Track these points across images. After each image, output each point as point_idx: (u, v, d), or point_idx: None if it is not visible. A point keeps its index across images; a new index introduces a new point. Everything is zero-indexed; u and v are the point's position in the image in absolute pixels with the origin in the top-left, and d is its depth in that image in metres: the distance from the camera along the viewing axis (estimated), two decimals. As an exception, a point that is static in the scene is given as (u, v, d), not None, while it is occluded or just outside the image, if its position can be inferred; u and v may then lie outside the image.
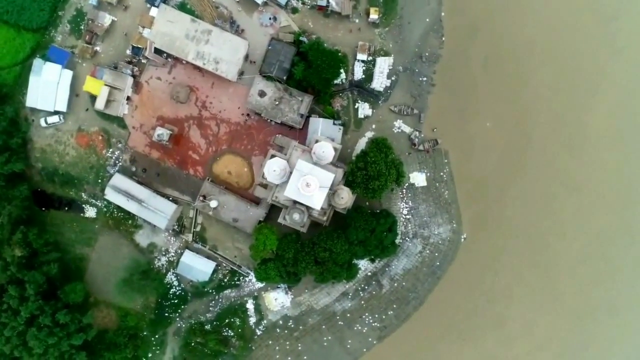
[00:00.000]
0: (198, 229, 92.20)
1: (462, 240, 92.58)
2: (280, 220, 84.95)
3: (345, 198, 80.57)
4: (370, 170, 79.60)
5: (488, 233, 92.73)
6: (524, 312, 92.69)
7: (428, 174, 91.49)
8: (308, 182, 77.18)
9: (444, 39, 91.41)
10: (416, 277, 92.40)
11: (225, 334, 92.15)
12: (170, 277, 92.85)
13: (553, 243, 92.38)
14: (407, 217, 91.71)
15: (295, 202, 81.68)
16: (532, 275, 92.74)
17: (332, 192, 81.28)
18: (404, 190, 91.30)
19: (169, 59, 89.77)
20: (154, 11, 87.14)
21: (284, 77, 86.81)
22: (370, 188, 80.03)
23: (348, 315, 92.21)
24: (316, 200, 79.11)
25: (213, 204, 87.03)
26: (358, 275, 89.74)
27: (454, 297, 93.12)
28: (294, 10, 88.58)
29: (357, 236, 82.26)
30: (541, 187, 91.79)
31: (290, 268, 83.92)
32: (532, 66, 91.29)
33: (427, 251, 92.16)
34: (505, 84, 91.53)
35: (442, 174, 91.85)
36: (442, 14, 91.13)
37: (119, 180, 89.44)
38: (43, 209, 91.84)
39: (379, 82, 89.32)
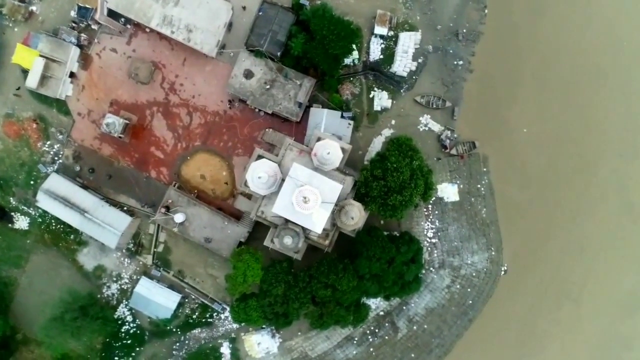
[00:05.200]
0: (160, 249, 70.78)
1: (502, 272, 71.66)
2: (266, 243, 63.71)
3: (356, 217, 59.36)
4: (390, 181, 58.68)
5: (537, 265, 71.89)
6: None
7: (461, 186, 70.49)
8: (306, 195, 55.91)
9: (486, 11, 70.38)
10: (442, 319, 71.38)
11: (193, 386, 71.03)
12: (122, 311, 71.35)
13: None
14: (433, 241, 70.67)
15: (287, 220, 60.43)
16: (591, 326, 71.91)
17: (338, 209, 60.03)
18: (430, 206, 70.24)
19: (128, 25, 68.33)
20: (108, -40, 65.57)
21: (278, 53, 65.60)
22: (390, 204, 59.12)
23: (352, 366, 71.12)
24: (316, 220, 57.89)
25: (178, 218, 65.65)
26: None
27: (489, 346, 72.30)
28: (294, -34, 67.30)
29: (369, 269, 61.07)
30: (610, 210, 70.99)
31: (279, 308, 62.61)
32: (607, 60, 70.15)
33: (457, 286, 71.16)
34: (571, 76, 70.50)
35: (479, 186, 70.87)
36: (487, -22, 70.21)
37: (56, 182, 67.94)
38: (-44, 217, 70.29)
39: (402, 64, 68.16)
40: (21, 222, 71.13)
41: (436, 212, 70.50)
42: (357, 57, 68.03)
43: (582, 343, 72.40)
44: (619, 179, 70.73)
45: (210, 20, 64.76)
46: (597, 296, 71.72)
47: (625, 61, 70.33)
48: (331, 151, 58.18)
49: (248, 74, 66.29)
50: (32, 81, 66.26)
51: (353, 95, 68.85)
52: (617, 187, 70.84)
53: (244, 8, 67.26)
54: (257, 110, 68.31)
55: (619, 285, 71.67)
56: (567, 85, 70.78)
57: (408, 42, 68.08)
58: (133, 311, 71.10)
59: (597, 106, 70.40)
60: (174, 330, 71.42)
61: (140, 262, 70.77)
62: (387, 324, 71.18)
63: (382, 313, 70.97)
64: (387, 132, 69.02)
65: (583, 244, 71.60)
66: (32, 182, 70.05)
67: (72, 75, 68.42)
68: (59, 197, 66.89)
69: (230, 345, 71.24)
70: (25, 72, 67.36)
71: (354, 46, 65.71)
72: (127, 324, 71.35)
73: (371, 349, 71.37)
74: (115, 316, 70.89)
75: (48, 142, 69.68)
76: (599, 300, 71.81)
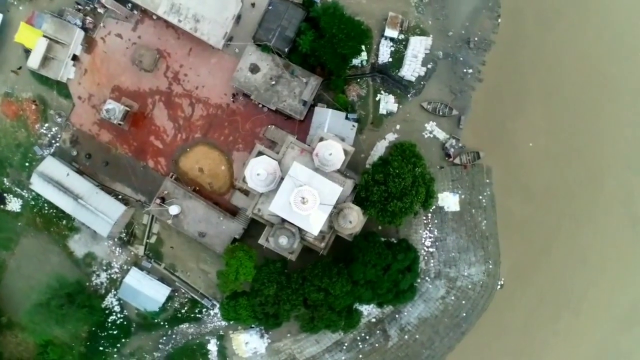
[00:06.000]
0: (153, 240, 69.50)
1: (499, 287, 70.48)
2: (261, 241, 62.46)
3: (354, 221, 58.14)
4: (391, 186, 57.45)
5: (535, 279, 70.65)
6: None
7: (463, 197, 69.29)
8: (305, 195, 54.70)
9: (499, 20, 69.13)
10: (434, 330, 70.18)
11: (177, 381, 69.85)
12: (110, 301, 70.11)
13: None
14: (431, 250, 69.44)
15: (284, 220, 59.19)
16: (590, 338, 70.77)
17: (336, 212, 58.83)
18: (430, 215, 69.03)
19: (135, 11, 67.15)
20: (118, -57, 64.49)
21: (286, 49, 64.38)
22: (390, 210, 57.89)
23: (340, 371, 69.91)
24: (314, 222, 56.67)
25: (173, 210, 64.41)
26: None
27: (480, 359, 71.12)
28: (307, -38, 66.00)
29: (364, 274, 59.85)
30: (615, 222, 69.87)
31: (269, 309, 61.37)
32: (617, 72, 68.90)
33: (452, 297, 69.95)
34: (580, 89, 69.25)
35: (481, 197, 69.68)
36: (502, -13, 68.99)
37: (51, 165, 66.63)
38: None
39: (411, 69, 67.02)
40: (13, 204, 69.83)
41: (435, 221, 69.27)
42: (366, 58, 66.85)
43: (580, 355, 71.12)
44: (626, 191, 69.36)
45: (219, 11, 63.54)
46: (597, 308, 70.45)
47: (636, 73, 68.92)
48: (333, 152, 56.96)
49: (254, 69, 65.06)
50: (33, 61, 64.92)
51: (359, 96, 67.63)
52: (624, 199, 69.44)
53: (253, 5, 65.91)
54: (260, 105, 67.07)
55: (620, 298, 70.36)
56: (576, 99, 69.40)
57: (418, 46, 66.88)
58: (121, 302, 69.84)
59: (606, 119, 68.96)
60: (162, 323, 70.15)
61: (132, 253, 69.48)
62: (378, 332, 69.94)
63: (374, 320, 69.74)
64: (391, 137, 67.78)
65: (585, 255, 70.11)
66: (27, 164, 68.74)
67: (74, 58, 67.15)
68: (54, 181, 65.58)
69: (218, 343, 70.01)
70: (27, 51, 66.03)
71: (363, 47, 64.44)
72: (114, 314, 70.08)
73: (360, 356, 70.17)
74: (103, 306, 69.61)
75: (46, 125, 68.38)
76: (599, 312, 70.52)
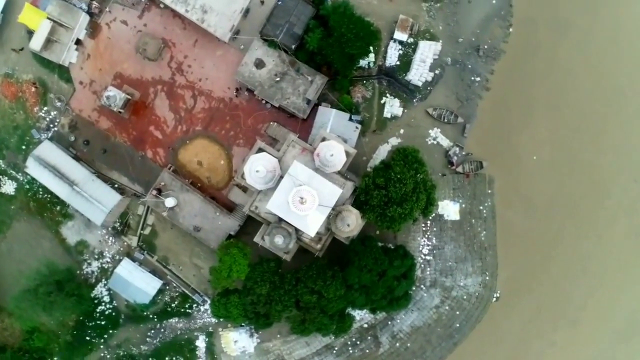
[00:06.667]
0: (147, 232, 68.51)
1: (494, 299, 69.57)
2: (257, 239, 61.47)
3: (352, 225, 57.14)
4: (391, 191, 56.50)
5: (532, 291, 69.84)
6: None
7: (463, 206, 68.37)
8: (303, 196, 53.71)
9: (511, 30, 68.12)
10: (426, 339, 69.24)
11: (163, 376, 68.85)
12: (100, 290, 69.12)
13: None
14: (428, 258, 68.51)
15: (281, 219, 58.19)
16: (587, 350, 69.96)
17: (335, 214, 57.85)
18: (429, 222, 68.08)
19: (142, -2, 66.22)
20: None
21: (293, 46, 63.40)
22: (389, 215, 57.00)
23: (329, 375, 68.97)
24: (311, 223, 55.68)
25: (169, 202, 63.38)
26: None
27: (472, 371, 70.34)
28: (320, -41, 65.00)
29: (359, 279, 58.87)
30: (618, 234, 69.12)
31: (261, 308, 60.39)
32: (627, 83, 68.06)
33: (446, 307, 69.00)
34: (587, 103, 68.40)
35: (481, 208, 68.76)
36: (515, -4, 68.06)
37: (48, 150, 65.60)
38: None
39: (418, 73, 66.06)
40: (8, 187, 68.82)
41: (434, 229, 68.33)
42: (373, 60, 65.90)
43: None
44: (631, 204, 68.53)
45: (227, 4, 62.52)
46: (596, 319, 69.73)
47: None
48: (335, 153, 56.00)
49: (259, 64, 64.07)
50: (36, 43, 63.92)
51: (364, 98, 66.65)
52: (629, 212, 68.66)
53: (262, 2, 64.85)
54: (263, 101, 66.06)
55: (620, 310, 69.76)
56: (583, 114, 68.56)
57: (427, 51, 65.92)
58: (111, 292, 68.90)
59: (613, 131, 68.17)
60: (151, 317, 69.19)
61: (125, 243, 68.48)
62: (369, 337, 68.98)
63: (366, 325, 68.78)
64: (394, 141, 66.81)
65: (586, 266, 69.35)
66: (23, 147, 67.72)
67: (78, 42, 66.12)
68: (50, 165, 64.53)
69: (207, 340, 69.04)
70: (30, 33, 65.06)
71: (371, 48, 63.59)
72: (103, 304, 69.12)
73: (350, 361, 69.33)
74: (92, 295, 68.71)
75: (45, 108, 67.33)
76: (597, 323, 69.82)
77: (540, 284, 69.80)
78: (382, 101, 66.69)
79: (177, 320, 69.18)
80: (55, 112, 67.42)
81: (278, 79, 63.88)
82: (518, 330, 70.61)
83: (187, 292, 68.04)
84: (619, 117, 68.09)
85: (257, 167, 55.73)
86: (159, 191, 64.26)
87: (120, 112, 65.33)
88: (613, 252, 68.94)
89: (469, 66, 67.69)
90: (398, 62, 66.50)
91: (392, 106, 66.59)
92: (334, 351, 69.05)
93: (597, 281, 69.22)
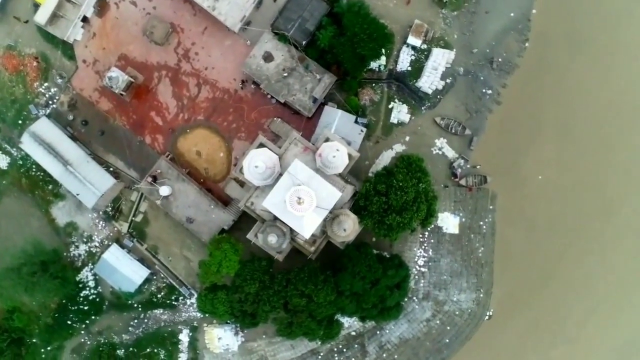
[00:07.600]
0: (138, 219, 66.98)
1: (487, 317, 68.06)
2: (250, 236, 59.95)
3: (348, 229, 55.64)
4: (392, 199, 55.05)
5: (525, 317, 68.39)
6: None
7: (463, 220, 66.89)
8: (301, 196, 52.15)
9: (527, 45, 66.68)
10: (414, 352, 67.75)
11: (142, 367, 67.25)
12: (85, 274, 67.55)
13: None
14: (422, 270, 66.99)
15: (276, 218, 56.64)
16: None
17: (331, 217, 56.33)
18: (427, 233, 66.56)
19: (154, -20, 64.64)
20: None
21: (304, 42, 61.91)
22: (387, 223, 55.53)
23: (312, 381, 67.44)
24: (307, 224, 54.10)
25: (164, 190, 61.85)
26: (338, 333, 64.83)
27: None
28: (338, -45, 63.43)
29: (351, 286, 57.35)
30: (624, 254, 67.72)
31: (248, 307, 58.87)
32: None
33: (437, 321, 67.49)
34: (595, 122, 67.01)
35: (481, 223, 67.28)
36: (534, 11, 66.47)
37: (44, 126, 64.10)
38: None
39: (429, 81, 64.57)
40: (1, 161, 67.27)
41: (432, 240, 66.83)
42: (384, 63, 64.40)
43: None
44: (639, 225, 67.12)
45: (241, -7, 61.05)
46: (595, 339, 68.40)
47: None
48: (337, 155, 54.49)
49: (267, 57, 62.58)
50: (41, 17, 62.41)
51: (372, 101, 65.17)
52: (636, 232, 67.16)
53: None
54: (269, 96, 64.55)
55: (620, 330, 68.33)
56: (592, 136, 67.17)
57: (440, 59, 64.43)
58: (97, 277, 67.39)
59: (622, 153, 66.79)
60: (135, 305, 67.65)
61: (115, 229, 66.95)
62: (356, 346, 67.47)
63: (353, 333, 67.27)
64: (398, 148, 65.33)
65: (588, 285, 67.90)
66: (20, 122, 66.19)
67: (84, 19, 64.59)
68: (45, 143, 63.00)
69: (190, 334, 67.51)
70: (36, 6, 63.49)
71: (383, 51, 62.15)
72: (87, 289, 67.58)
73: (335, 368, 67.77)
74: (77, 279, 67.18)
75: (45, 84, 65.78)
76: (596, 342, 68.48)
77: (536, 304, 68.46)
78: (390, 106, 65.19)
79: (161, 311, 67.66)
80: (55, 89, 65.87)
81: (286, 74, 62.41)
82: (509, 350, 69.40)
83: (174, 283, 66.55)
84: (630, 139, 66.64)
85: (256, 162, 54.22)
86: (154, 178, 62.73)
87: (122, 94, 63.82)
88: (616, 272, 67.43)
89: (481, 78, 66.25)
90: (409, 68, 65.02)
91: (400, 112, 65.10)
92: (320, 357, 67.52)
93: (598, 300, 67.84)
